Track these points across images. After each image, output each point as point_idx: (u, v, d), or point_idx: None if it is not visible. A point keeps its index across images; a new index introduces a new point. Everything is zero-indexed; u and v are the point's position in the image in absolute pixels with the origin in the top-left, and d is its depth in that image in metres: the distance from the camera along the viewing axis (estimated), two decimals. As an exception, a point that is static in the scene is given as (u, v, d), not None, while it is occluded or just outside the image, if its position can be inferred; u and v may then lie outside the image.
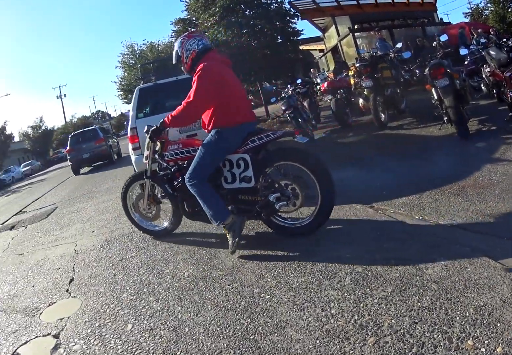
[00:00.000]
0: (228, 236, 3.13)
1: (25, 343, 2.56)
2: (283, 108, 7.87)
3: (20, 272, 4.17)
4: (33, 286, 3.62)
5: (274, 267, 2.83)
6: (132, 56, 29.00)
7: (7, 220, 8.32)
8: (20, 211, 9.09)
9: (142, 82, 6.71)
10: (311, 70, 16.76)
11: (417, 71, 7.54)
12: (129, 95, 32.59)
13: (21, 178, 30.13)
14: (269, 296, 2.45)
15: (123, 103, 51.02)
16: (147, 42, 29.36)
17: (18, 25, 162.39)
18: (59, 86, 67.03)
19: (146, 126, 3.47)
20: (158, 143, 3.45)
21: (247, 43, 12.49)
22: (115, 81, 31.61)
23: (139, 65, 6.58)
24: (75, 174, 14.80)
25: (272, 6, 13.65)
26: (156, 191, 3.83)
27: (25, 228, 6.73)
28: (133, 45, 29.21)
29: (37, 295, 3.35)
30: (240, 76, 10.88)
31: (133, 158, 5.80)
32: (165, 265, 3.33)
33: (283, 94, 8.24)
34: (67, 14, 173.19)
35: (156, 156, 3.51)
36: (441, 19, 19.23)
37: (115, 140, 17.63)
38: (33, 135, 47.85)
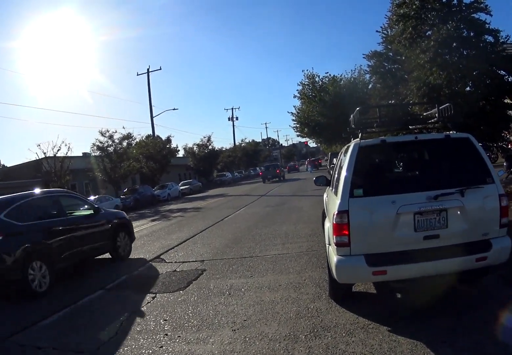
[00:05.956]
0: None
1: None
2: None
3: None
4: None
5: None
6: (312, 87, 27.79)
7: (138, 269, 7.15)
8: (159, 256, 7.95)
9: (356, 135, 4.35)
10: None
11: None
12: (305, 129, 31.23)
13: (177, 196, 29.88)
14: None
15: (297, 135, 50.76)
16: (329, 75, 27.55)
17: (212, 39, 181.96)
18: (232, 108, 61.26)
19: None
20: None
21: (464, 92, 9.72)
22: (291, 112, 30.98)
23: (357, 108, 4.36)
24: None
25: (490, 48, 10.62)
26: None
27: (153, 297, 5.24)
28: (315, 76, 27.68)
29: None
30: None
31: (333, 259, 3.64)
32: None
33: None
34: (255, 39, 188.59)
35: None
36: None
37: None
38: (198, 154, 45.56)
